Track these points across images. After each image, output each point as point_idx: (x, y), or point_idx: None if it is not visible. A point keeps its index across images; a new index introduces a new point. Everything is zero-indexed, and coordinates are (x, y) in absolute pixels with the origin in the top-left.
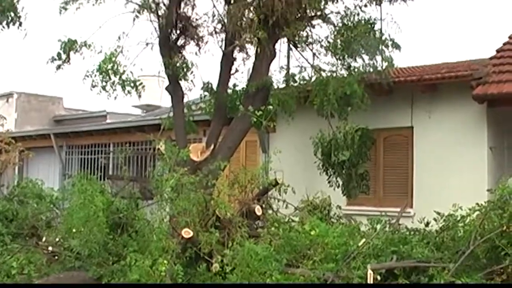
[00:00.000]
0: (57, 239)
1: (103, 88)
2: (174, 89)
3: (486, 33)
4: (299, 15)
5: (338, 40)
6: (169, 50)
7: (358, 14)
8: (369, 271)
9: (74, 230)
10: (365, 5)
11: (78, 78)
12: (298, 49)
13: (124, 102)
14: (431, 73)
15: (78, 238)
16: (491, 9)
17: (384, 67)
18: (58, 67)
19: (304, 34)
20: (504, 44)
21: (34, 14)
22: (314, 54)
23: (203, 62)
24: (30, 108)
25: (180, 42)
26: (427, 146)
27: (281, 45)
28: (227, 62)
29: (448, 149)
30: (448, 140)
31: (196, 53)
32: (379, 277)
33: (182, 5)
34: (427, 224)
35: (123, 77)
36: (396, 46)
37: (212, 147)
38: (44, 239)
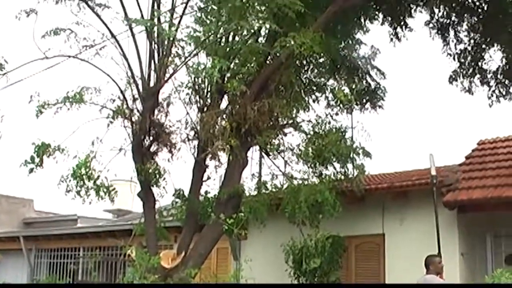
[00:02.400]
0: None
1: (78, 193)
2: (146, 196)
3: (456, 139)
4: (271, 123)
5: (310, 148)
6: (142, 156)
7: (329, 123)
8: None
9: None
10: (336, 114)
11: (50, 181)
12: (270, 156)
13: (95, 206)
14: (402, 180)
15: None
16: (460, 116)
17: (355, 175)
18: (31, 170)
19: (276, 142)
20: (473, 150)
21: (9, 116)
22: (285, 162)
23: (176, 169)
24: (0, 210)
25: (153, 148)
26: (399, 253)
27: (253, 153)
28: (199, 169)
29: (420, 255)
30: (420, 246)
31: (168, 160)
32: None
33: (156, 112)
34: None
35: (97, 182)
36: (367, 154)
37: (183, 254)
38: None
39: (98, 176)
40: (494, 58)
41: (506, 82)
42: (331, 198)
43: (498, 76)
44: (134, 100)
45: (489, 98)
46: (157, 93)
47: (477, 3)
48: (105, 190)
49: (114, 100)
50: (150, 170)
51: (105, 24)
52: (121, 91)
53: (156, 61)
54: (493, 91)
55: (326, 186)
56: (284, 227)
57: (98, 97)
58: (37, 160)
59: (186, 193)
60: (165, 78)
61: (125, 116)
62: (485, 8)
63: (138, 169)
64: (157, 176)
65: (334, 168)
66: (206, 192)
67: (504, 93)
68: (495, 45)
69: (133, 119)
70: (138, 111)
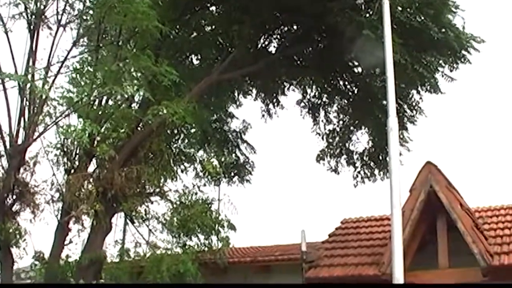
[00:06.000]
0: None
1: None
2: (4, 256)
3: (321, 217)
4: (138, 190)
5: (175, 218)
6: (3, 215)
7: (196, 194)
8: None
9: None
10: (204, 185)
11: None
12: (135, 224)
13: None
14: (265, 255)
15: None
16: (326, 194)
17: (219, 247)
18: None
19: (142, 209)
20: (336, 228)
21: None
22: (150, 230)
23: (37, 230)
24: None
25: (16, 207)
26: None
27: (118, 219)
28: (61, 232)
29: None
30: None
31: (31, 221)
32: None
33: (22, 170)
34: None
35: None
36: (232, 227)
37: None
38: None
39: None
40: (361, 140)
41: (371, 164)
42: (193, 269)
43: (364, 158)
44: (0, 156)
45: (355, 178)
46: (24, 151)
47: (348, 86)
48: None
49: None
50: (11, 230)
51: None
52: None
53: (26, 119)
54: (359, 172)
55: (189, 257)
56: None
57: None
58: None
59: (47, 256)
60: (34, 137)
61: None
62: (356, 92)
63: None
64: (18, 236)
65: (198, 239)
66: (67, 256)
67: (369, 174)
68: (363, 128)
69: None
70: (3, 168)
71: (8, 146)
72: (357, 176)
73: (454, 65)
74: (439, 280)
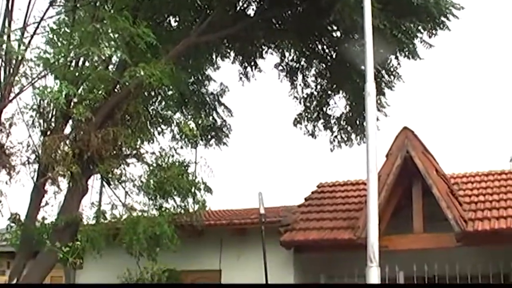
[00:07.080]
0: None
1: None
2: None
3: (299, 180)
4: (114, 152)
5: (151, 180)
6: None
7: (172, 156)
8: None
9: None
10: (181, 147)
11: None
12: (111, 186)
13: None
14: (241, 218)
15: None
16: (304, 158)
17: (195, 210)
18: None
19: (118, 171)
20: (312, 192)
21: None
22: (126, 193)
23: (13, 192)
24: None
25: None
26: None
27: (94, 181)
28: (37, 194)
29: None
30: (255, 281)
31: (6, 182)
32: None
33: None
34: None
35: None
36: (208, 190)
37: (15, 281)
38: None
39: None
40: (338, 105)
41: (348, 128)
42: (169, 232)
43: (341, 122)
44: None
45: (331, 143)
46: (0, 113)
47: (327, 50)
48: None
49: None
50: None
51: None
52: None
53: (2, 80)
54: (335, 136)
55: (165, 219)
56: (122, 258)
57: None
58: None
59: (23, 218)
60: (10, 98)
61: None
62: (334, 56)
63: None
64: None
65: (175, 201)
66: (43, 218)
67: (345, 139)
68: (340, 92)
69: None
70: None
71: None
72: (334, 140)
73: (433, 32)
74: (414, 245)
